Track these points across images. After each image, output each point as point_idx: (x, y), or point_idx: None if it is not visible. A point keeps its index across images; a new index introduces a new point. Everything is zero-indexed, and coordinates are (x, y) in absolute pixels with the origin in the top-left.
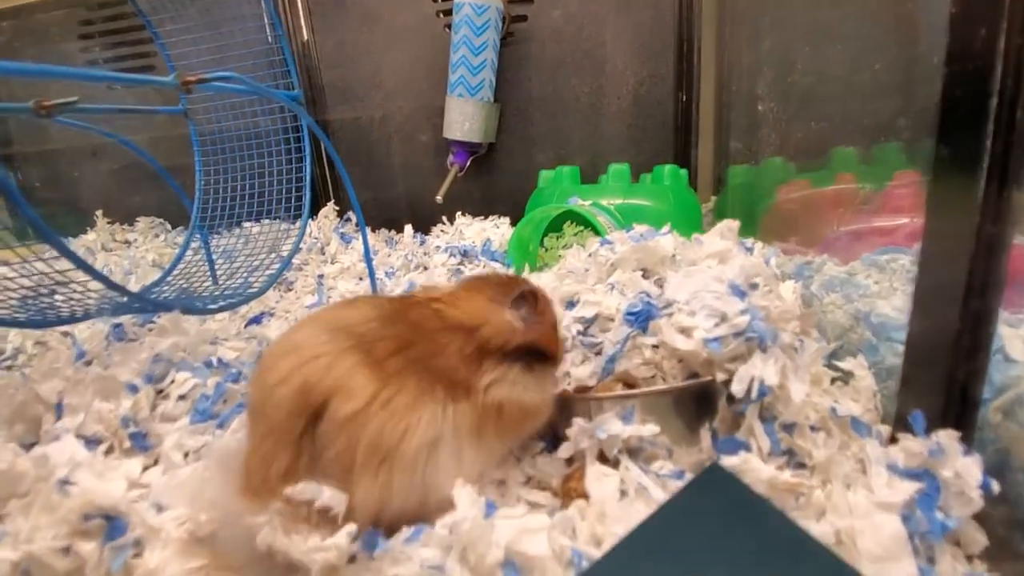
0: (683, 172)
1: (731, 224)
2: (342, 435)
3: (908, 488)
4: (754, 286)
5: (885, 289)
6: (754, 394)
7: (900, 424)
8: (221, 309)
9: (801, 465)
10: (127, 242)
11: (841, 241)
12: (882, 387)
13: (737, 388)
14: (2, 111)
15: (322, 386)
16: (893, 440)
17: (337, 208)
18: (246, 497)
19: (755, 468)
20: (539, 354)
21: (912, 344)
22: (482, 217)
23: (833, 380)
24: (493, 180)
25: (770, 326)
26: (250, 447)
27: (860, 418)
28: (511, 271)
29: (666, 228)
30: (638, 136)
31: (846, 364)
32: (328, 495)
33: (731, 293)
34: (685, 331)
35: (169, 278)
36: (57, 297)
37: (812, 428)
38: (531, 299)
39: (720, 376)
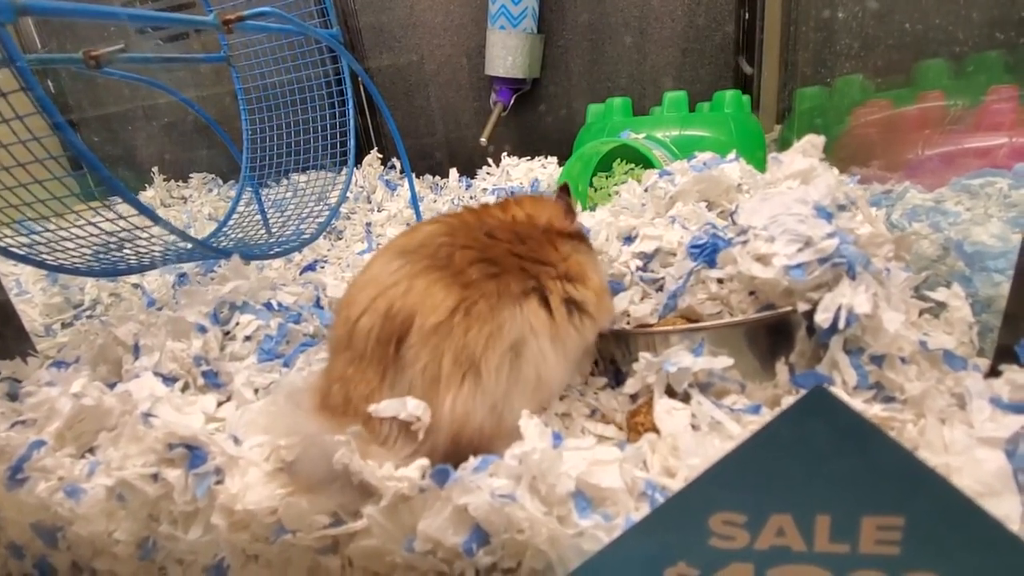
0: (746, 98)
1: (815, 140)
2: (427, 347)
3: (1014, 422)
4: (842, 207)
5: (979, 216)
6: (841, 324)
7: (1003, 356)
8: (278, 255)
9: (889, 399)
10: (183, 198)
11: (927, 165)
12: (976, 319)
13: (821, 318)
14: (53, 62)
15: (404, 308)
16: (993, 374)
17: (380, 156)
18: (324, 416)
19: None
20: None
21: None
22: (528, 157)
23: (921, 312)
24: (539, 118)
25: (860, 251)
26: (330, 377)
27: (954, 351)
28: None
29: (732, 155)
30: (695, 61)
31: (939, 295)
32: (412, 405)
33: (816, 215)
34: (762, 259)
35: (225, 228)
36: (126, 249)
37: (902, 361)
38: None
39: (801, 307)
